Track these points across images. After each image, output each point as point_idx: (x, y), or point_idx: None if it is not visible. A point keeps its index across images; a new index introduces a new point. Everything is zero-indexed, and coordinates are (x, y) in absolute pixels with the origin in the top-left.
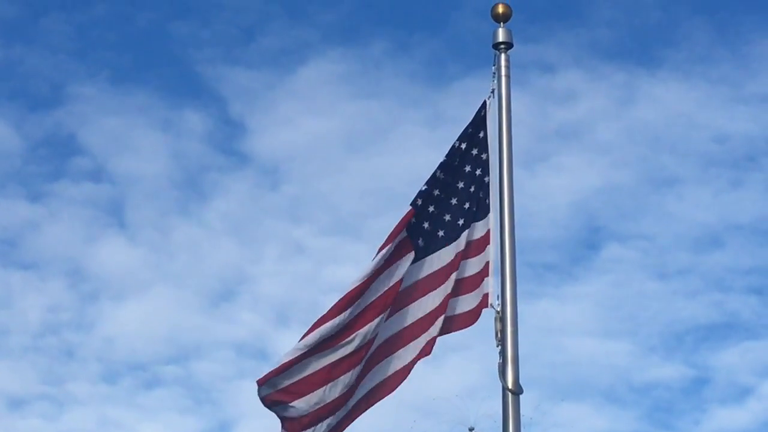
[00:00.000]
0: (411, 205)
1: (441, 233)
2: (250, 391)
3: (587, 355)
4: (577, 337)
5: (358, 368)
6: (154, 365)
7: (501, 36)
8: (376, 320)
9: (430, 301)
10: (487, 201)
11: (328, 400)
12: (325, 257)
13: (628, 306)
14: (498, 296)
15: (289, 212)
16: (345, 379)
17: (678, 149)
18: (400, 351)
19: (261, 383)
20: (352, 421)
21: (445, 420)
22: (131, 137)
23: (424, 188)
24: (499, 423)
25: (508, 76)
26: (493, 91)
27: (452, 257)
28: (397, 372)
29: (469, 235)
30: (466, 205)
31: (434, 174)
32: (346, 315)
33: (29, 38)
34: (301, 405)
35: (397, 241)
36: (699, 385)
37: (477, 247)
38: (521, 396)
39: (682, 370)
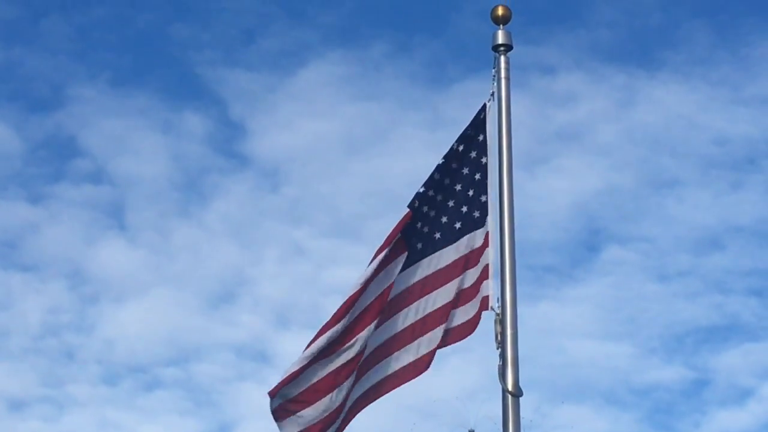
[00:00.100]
0: (408, 207)
1: (438, 235)
2: (250, 393)
3: (587, 357)
4: (577, 339)
5: (355, 371)
6: (154, 367)
7: (501, 38)
8: (374, 323)
9: (429, 303)
10: (485, 204)
11: (335, 407)
12: (325, 259)
13: (629, 308)
14: (498, 298)
15: (289, 214)
16: (348, 384)
17: (678, 151)
18: (397, 353)
19: (273, 395)
20: (348, 423)
21: (445, 422)
22: (131, 139)
23: (421, 190)
24: (499, 425)
25: (508, 79)
26: (492, 94)
27: (451, 261)
28: (392, 375)
29: (470, 242)
30: (464, 209)
31: (432, 176)
32: (347, 320)
33: (29, 40)
34: (311, 413)
35: (393, 243)
36: (699, 387)
37: (477, 255)
38: (521, 398)
39: (682, 372)
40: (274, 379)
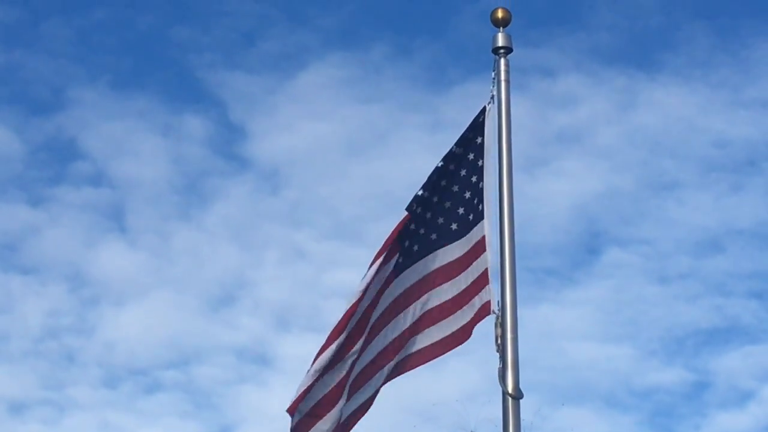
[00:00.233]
0: (406, 210)
1: (434, 236)
2: (250, 396)
3: (588, 360)
4: (577, 341)
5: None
6: (155, 370)
7: (501, 41)
8: (368, 328)
9: (426, 304)
10: (480, 207)
11: (343, 417)
12: (325, 262)
13: (629, 310)
14: (498, 301)
15: (290, 217)
16: (346, 394)
17: (678, 154)
18: (396, 356)
19: (291, 412)
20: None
21: (445, 425)
22: (132, 142)
23: (419, 193)
24: (499, 428)
25: (507, 81)
26: (492, 97)
27: (446, 262)
28: (383, 379)
29: (465, 245)
30: (460, 210)
31: (430, 178)
32: (348, 329)
33: (30, 42)
34: (326, 426)
35: (390, 247)
36: (699, 390)
37: (471, 258)
38: (521, 400)
39: (682, 375)
40: (275, 381)
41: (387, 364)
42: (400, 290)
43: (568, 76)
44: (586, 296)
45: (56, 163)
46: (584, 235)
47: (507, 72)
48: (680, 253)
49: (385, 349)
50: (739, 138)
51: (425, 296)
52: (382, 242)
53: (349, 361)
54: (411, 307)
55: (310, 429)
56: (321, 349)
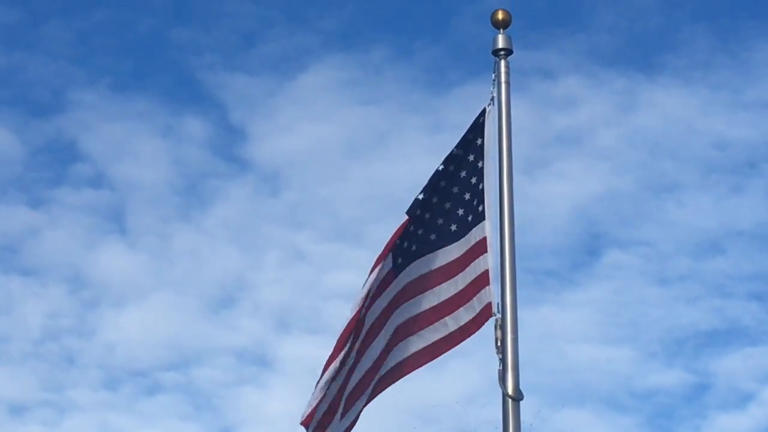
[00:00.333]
0: (407, 213)
1: (433, 237)
2: (250, 398)
3: (588, 362)
4: (577, 343)
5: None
6: (155, 371)
7: (501, 42)
8: (364, 330)
9: (423, 303)
10: (480, 209)
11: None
12: (325, 263)
13: (629, 312)
14: (498, 303)
15: (290, 218)
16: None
17: (678, 155)
18: (390, 355)
19: (306, 425)
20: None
21: (445, 426)
22: (132, 143)
23: (420, 197)
24: (499, 429)
25: (508, 83)
26: (492, 98)
27: (445, 263)
28: (387, 374)
29: (463, 246)
30: (460, 211)
31: (430, 181)
32: (353, 337)
33: (30, 44)
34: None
35: (389, 249)
36: (700, 391)
37: (469, 259)
38: (522, 402)
39: (682, 376)
40: (275, 382)
41: (383, 367)
42: (397, 290)
43: (568, 77)
44: (586, 298)
45: (56, 164)
46: (584, 236)
47: (507, 74)
48: (680, 254)
49: (382, 353)
50: (739, 139)
51: (422, 296)
52: (382, 244)
53: (348, 367)
54: (408, 308)
55: None
56: (328, 360)
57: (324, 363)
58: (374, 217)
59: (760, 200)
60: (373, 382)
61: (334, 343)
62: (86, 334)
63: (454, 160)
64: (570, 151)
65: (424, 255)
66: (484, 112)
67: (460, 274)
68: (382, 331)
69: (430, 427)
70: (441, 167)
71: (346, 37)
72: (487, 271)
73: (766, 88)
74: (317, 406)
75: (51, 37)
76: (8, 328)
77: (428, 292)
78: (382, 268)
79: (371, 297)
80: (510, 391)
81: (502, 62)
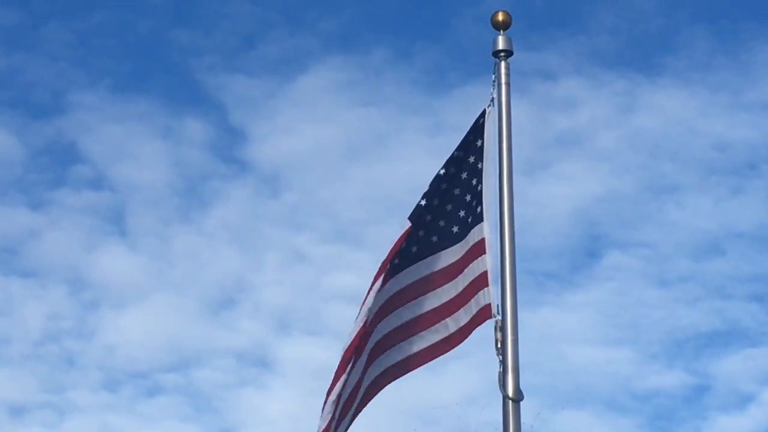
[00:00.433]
0: (409, 219)
1: (435, 238)
2: (250, 399)
3: (588, 363)
4: (577, 344)
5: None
6: (155, 373)
7: (501, 44)
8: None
9: (423, 305)
10: (479, 210)
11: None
12: (325, 265)
13: (629, 314)
14: (498, 305)
15: (290, 220)
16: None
17: (678, 157)
18: (387, 352)
19: None
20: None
21: (445, 428)
22: (132, 145)
23: (423, 203)
24: (499, 431)
25: (508, 84)
26: (492, 100)
27: (446, 265)
28: (384, 373)
29: (463, 247)
30: (461, 213)
31: (431, 184)
32: (356, 349)
33: (30, 46)
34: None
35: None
36: (700, 393)
37: (467, 261)
38: (522, 404)
39: (683, 378)
40: (275, 384)
41: (378, 367)
42: (394, 291)
43: (569, 79)
44: (586, 299)
45: (56, 166)
46: (584, 238)
47: (507, 75)
48: (680, 256)
49: (378, 351)
50: (739, 141)
51: (425, 298)
52: (382, 245)
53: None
54: (411, 308)
55: None
56: (336, 375)
57: (332, 379)
58: (374, 219)
59: (761, 202)
60: (366, 384)
61: (340, 357)
62: (86, 335)
63: (454, 162)
64: (570, 152)
65: (426, 257)
66: (484, 113)
67: (460, 276)
68: (377, 331)
69: (430, 429)
70: (442, 171)
71: (346, 38)
72: (485, 273)
73: (766, 89)
74: (329, 423)
75: (51, 39)
76: (8, 330)
77: (430, 293)
78: (385, 278)
79: (377, 312)
80: (510, 392)
81: (502, 63)
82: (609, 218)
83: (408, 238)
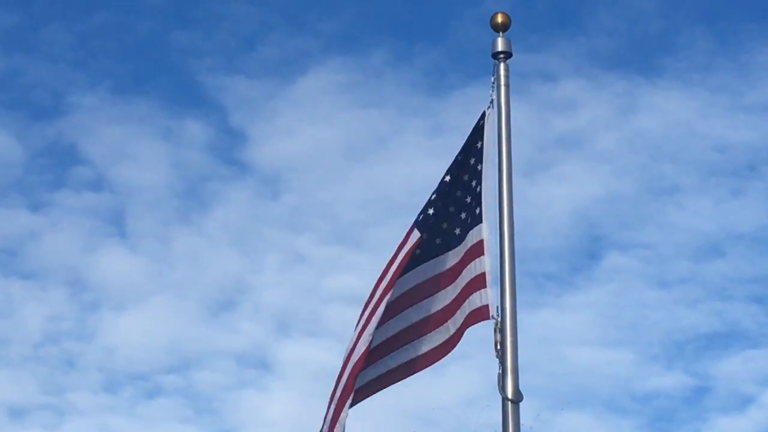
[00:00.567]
0: (416, 226)
1: (438, 241)
2: (250, 401)
3: (588, 365)
4: (577, 346)
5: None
6: (155, 375)
7: (500, 45)
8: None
9: (431, 306)
10: (477, 211)
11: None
12: (325, 266)
13: (629, 315)
14: (497, 306)
15: (290, 221)
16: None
17: (679, 158)
18: (387, 357)
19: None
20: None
21: (445, 429)
22: (132, 147)
23: (431, 212)
24: None
25: (507, 86)
26: (492, 101)
27: (448, 267)
28: (384, 375)
29: (462, 249)
30: (463, 215)
31: (437, 191)
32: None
33: (30, 48)
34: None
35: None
36: (700, 394)
37: (465, 263)
38: (521, 405)
39: (683, 379)
40: (275, 386)
41: (383, 366)
42: (401, 292)
43: (568, 80)
44: (586, 301)
45: (57, 168)
46: (584, 239)
47: (507, 76)
48: (680, 257)
49: (384, 351)
50: (739, 142)
51: (428, 300)
52: (382, 247)
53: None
54: (414, 311)
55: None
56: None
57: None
58: (374, 221)
59: (761, 203)
60: (364, 381)
61: (343, 360)
62: (86, 337)
63: (457, 166)
64: (570, 154)
65: (430, 259)
66: (483, 115)
67: (459, 278)
68: (378, 333)
69: (430, 430)
70: (447, 178)
71: (347, 40)
72: (483, 274)
73: (766, 90)
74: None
75: (51, 40)
76: (8, 332)
77: (434, 296)
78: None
79: (383, 313)
80: (509, 394)
81: (502, 65)
82: (609, 219)
83: (409, 237)
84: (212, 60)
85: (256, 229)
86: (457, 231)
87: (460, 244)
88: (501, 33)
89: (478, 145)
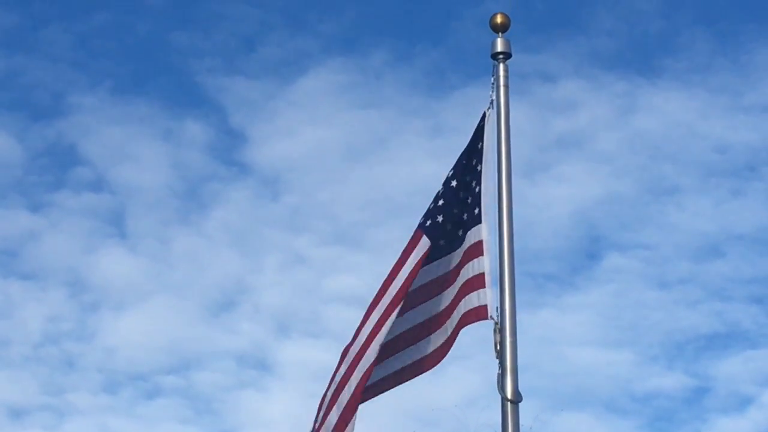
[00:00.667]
0: (422, 230)
1: (442, 242)
2: (250, 401)
3: (588, 365)
4: (577, 346)
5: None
6: (155, 375)
7: (500, 46)
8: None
9: (432, 307)
10: (476, 212)
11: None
12: (325, 267)
13: (629, 315)
14: (497, 307)
15: (290, 222)
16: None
17: (678, 159)
18: (388, 360)
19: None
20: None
21: (444, 429)
22: (132, 147)
23: (440, 219)
24: None
25: (507, 86)
26: (491, 102)
27: (452, 267)
28: (386, 377)
29: (462, 251)
30: (465, 216)
31: (443, 196)
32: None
33: (30, 48)
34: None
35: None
36: (700, 395)
37: (463, 263)
38: (521, 406)
39: (683, 380)
40: (275, 386)
41: (391, 369)
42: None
43: (568, 81)
44: (586, 301)
45: (56, 168)
46: (584, 240)
47: (506, 77)
48: (680, 258)
49: (389, 351)
50: (739, 143)
51: (431, 301)
52: (382, 247)
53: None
54: (418, 312)
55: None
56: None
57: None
58: (374, 221)
59: (761, 204)
60: (365, 382)
61: (343, 360)
62: (86, 337)
63: (459, 166)
64: (570, 154)
65: (434, 260)
66: (484, 116)
67: (458, 278)
68: (380, 335)
69: (430, 431)
70: (454, 183)
71: (346, 40)
72: (481, 274)
73: (766, 91)
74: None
75: (51, 41)
76: (8, 332)
77: (436, 297)
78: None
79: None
80: (509, 394)
81: (501, 66)
82: (609, 220)
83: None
84: (212, 60)
85: (256, 230)
86: (459, 232)
87: (461, 245)
88: (500, 33)
89: (479, 145)
